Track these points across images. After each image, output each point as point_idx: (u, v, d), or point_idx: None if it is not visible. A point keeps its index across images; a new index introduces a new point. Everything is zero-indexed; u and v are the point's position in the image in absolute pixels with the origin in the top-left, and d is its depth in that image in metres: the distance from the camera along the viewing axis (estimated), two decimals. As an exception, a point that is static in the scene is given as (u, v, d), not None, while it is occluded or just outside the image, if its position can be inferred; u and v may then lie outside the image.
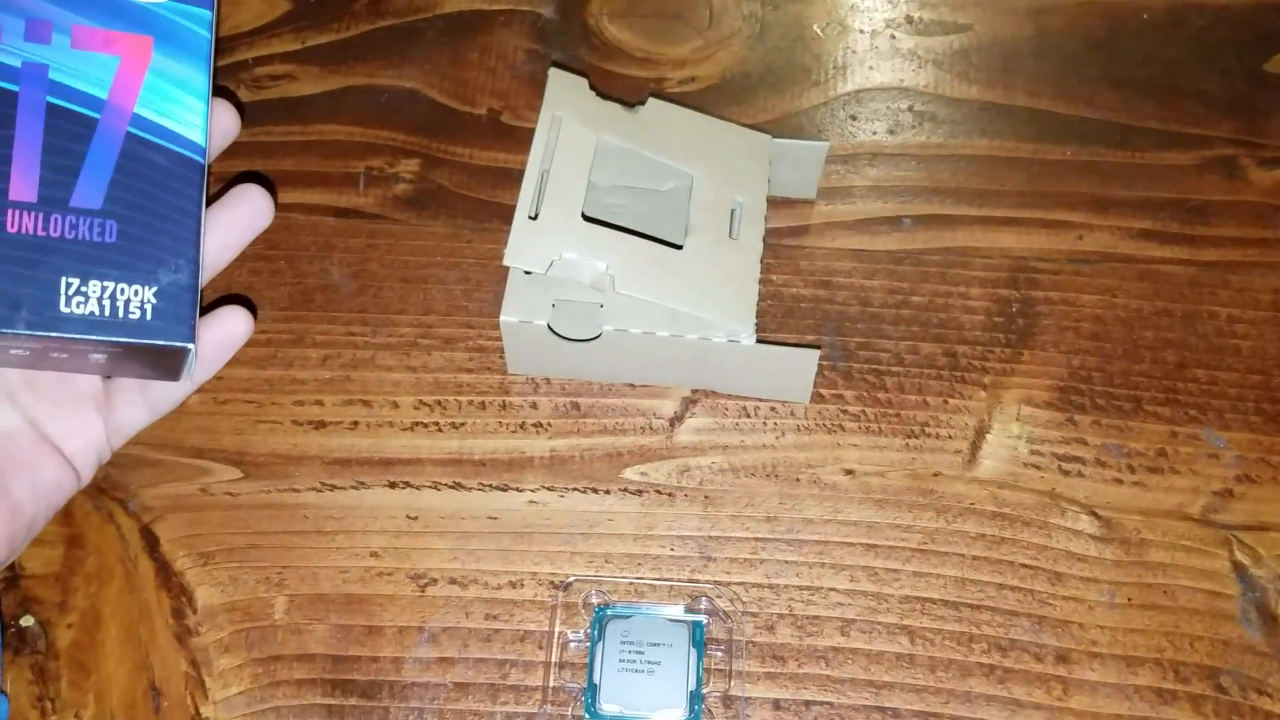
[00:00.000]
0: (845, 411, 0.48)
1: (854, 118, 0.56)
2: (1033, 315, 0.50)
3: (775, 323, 0.50)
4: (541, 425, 0.48)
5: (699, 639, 0.43)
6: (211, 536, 0.45)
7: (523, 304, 0.46)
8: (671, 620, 0.43)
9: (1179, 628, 0.43)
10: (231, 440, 0.47)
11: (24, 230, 0.32)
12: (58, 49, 0.33)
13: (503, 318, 0.46)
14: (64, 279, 0.32)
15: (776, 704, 0.42)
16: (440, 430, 0.48)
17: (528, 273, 0.46)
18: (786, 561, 0.45)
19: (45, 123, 0.32)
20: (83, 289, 0.32)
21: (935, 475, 0.46)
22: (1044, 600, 0.44)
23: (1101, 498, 0.46)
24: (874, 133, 0.55)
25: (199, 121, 0.34)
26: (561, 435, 0.47)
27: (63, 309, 0.31)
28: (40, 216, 0.32)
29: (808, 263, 0.51)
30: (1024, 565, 0.44)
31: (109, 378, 0.40)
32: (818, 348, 0.46)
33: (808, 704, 0.42)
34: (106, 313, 0.32)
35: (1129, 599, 0.44)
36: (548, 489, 0.46)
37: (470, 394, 0.48)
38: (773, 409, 0.48)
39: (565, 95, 0.48)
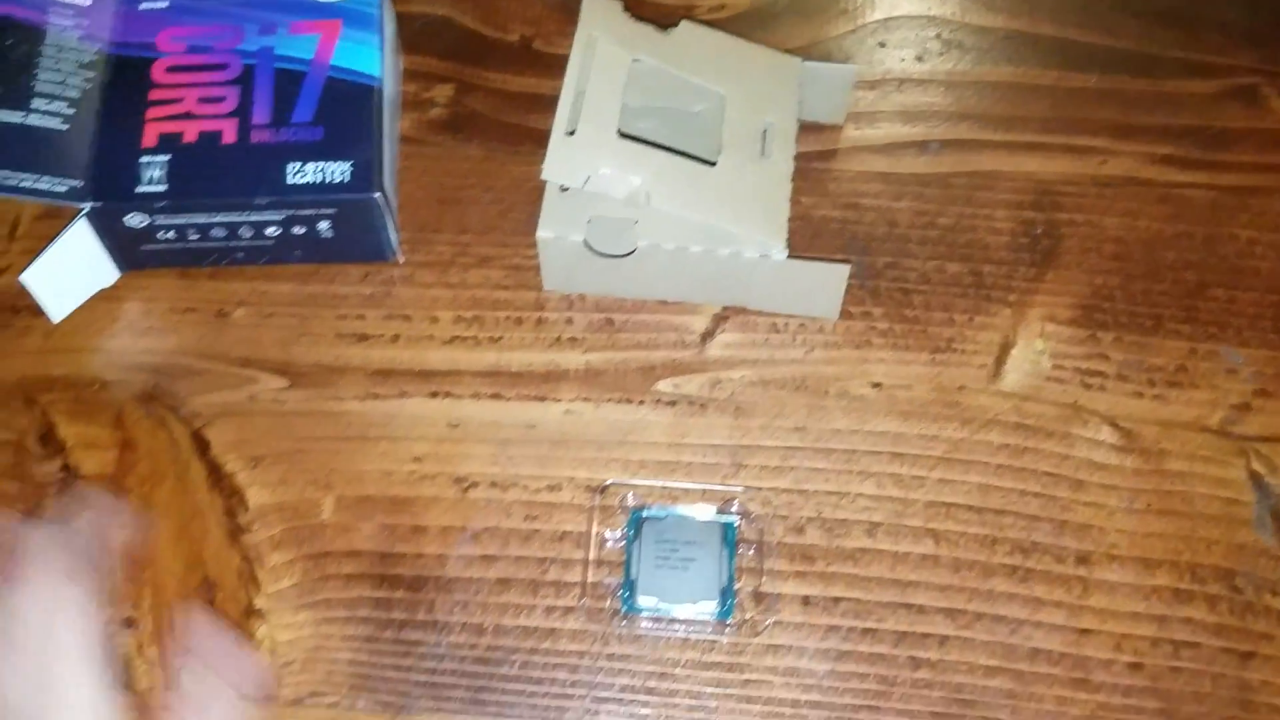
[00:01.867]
0: (873, 328, 0.49)
1: (882, 45, 0.57)
2: (1056, 237, 0.51)
3: (804, 243, 0.51)
4: (576, 340, 0.49)
5: (731, 539, 0.44)
6: (260, 441, 0.47)
7: (559, 220, 0.47)
8: (704, 521, 0.45)
9: (1196, 533, 0.45)
10: (276, 351, 0.49)
11: (263, 140, 0.47)
12: (280, 37, 0.50)
13: (539, 233, 0.47)
14: (289, 165, 0.46)
15: (805, 600, 0.44)
16: (478, 344, 0.49)
17: (563, 189, 0.47)
18: (815, 469, 0.46)
19: (274, 79, 0.48)
20: (303, 169, 0.46)
21: (960, 388, 0.48)
22: (1065, 506, 0.45)
23: (1122, 410, 0.47)
24: (901, 59, 0.56)
25: (375, 63, 0.49)
26: (596, 350, 0.49)
27: (289, 182, 0.46)
28: (272, 130, 0.47)
29: (835, 185, 0.52)
30: (1046, 473, 0.46)
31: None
32: (848, 263, 0.47)
33: (836, 600, 0.44)
34: (319, 181, 0.46)
35: (1148, 505, 0.45)
36: (583, 400, 0.48)
37: (507, 310, 0.50)
38: (801, 325, 0.49)
39: (600, 17, 0.50)
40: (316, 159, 0.46)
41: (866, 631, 0.43)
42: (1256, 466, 0.46)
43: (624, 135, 0.47)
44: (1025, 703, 0.42)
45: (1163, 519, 0.45)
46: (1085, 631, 0.43)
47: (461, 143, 0.54)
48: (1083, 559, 0.44)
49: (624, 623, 0.43)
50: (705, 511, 0.45)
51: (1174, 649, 0.43)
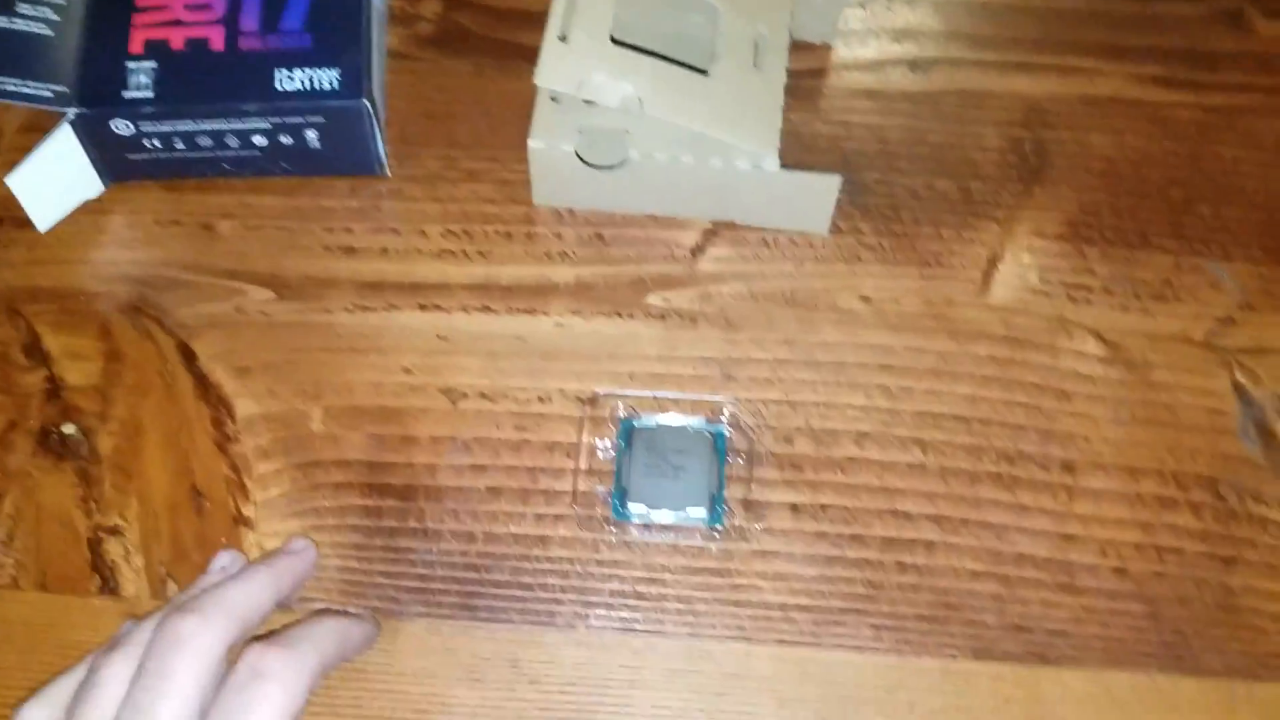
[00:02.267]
0: (862, 243, 0.49)
1: (871, -35, 0.57)
2: (1045, 155, 0.51)
3: (794, 159, 0.51)
4: (566, 254, 0.49)
5: (721, 447, 0.44)
6: (248, 352, 0.47)
7: (550, 130, 0.47)
8: (694, 430, 0.45)
9: (1180, 442, 0.45)
10: (264, 263, 0.48)
11: (251, 47, 0.47)
12: None
13: (530, 142, 0.47)
14: (278, 71, 0.46)
15: (794, 507, 0.44)
16: (468, 258, 0.49)
17: (554, 99, 0.47)
18: (804, 380, 0.46)
19: None
20: (291, 75, 0.46)
21: (949, 302, 0.48)
22: (1051, 416, 0.46)
23: (1108, 323, 0.47)
24: (891, -20, 0.56)
25: None
26: (586, 263, 0.49)
27: (277, 89, 0.46)
28: (260, 37, 0.47)
29: (826, 103, 0.52)
30: (1033, 384, 0.46)
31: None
32: (838, 175, 0.47)
33: (824, 507, 0.44)
34: (307, 88, 0.46)
35: (1133, 415, 0.46)
36: (573, 313, 0.48)
37: (496, 224, 0.50)
38: (792, 240, 0.49)
39: (591, -72, 0.49)
40: (305, 66, 0.46)
41: (854, 537, 0.44)
42: (1240, 378, 0.46)
43: (617, 42, 0.46)
44: (1011, 605, 0.43)
45: (1148, 429, 0.45)
46: (1070, 537, 0.44)
47: (450, 58, 0.54)
48: (1068, 467, 0.45)
49: (614, 529, 0.43)
50: (696, 421, 0.45)
51: (1158, 554, 0.43)
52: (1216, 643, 0.42)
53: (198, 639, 0.35)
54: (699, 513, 0.43)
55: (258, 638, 0.37)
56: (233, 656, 0.36)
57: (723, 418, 0.45)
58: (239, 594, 0.37)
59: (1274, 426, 0.46)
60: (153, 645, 0.35)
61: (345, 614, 0.41)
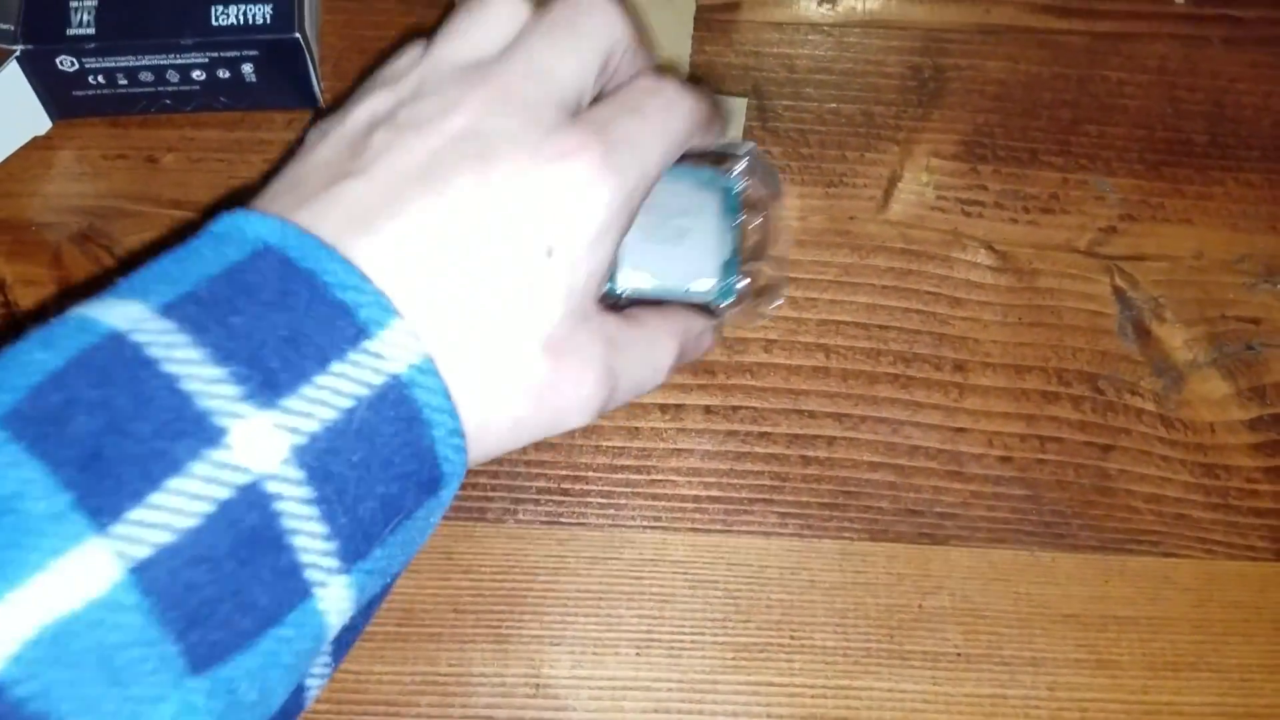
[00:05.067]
0: (772, 166, 0.52)
1: (782, -96, 0.59)
2: (942, 80, 0.55)
3: (708, 88, 0.54)
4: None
5: (732, 204, 0.43)
6: (193, 276, 0.49)
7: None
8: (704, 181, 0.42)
9: (1063, 341, 0.49)
10: (206, 194, 0.51)
11: None
12: None
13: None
14: (214, 6, 0.49)
15: (707, 409, 0.47)
16: (400, 185, 0.52)
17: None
18: (717, 293, 0.50)
19: None
20: (226, 10, 0.48)
21: (851, 218, 0.51)
22: (944, 320, 0.49)
23: (999, 235, 0.51)
24: (800, -82, 0.59)
25: None
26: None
27: (213, 23, 0.48)
28: None
29: (738, 35, 0.55)
30: (928, 292, 0.50)
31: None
32: (745, 97, 0.50)
33: (735, 408, 0.47)
34: (242, 22, 0.48)
35: (1020, 319, 0.49)
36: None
37: (427, 154, 0.52)
38: (705, 164, 0.52)
39: None
40: (239, 1, 0.48)
41: (762, 435, 0.47)
42: (1119, 282, 0.50)
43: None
44: (904, 493, 0.46)
45: (1033, 330, 0.49)
46: (960, 430, 0.47)
47: (381, -1, 0.56)
48: (959, 366, 0.48)
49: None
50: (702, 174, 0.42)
51: (1040, 443, 0.47)
52: (1093, 521, 0.46)
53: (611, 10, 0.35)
54: (705, 285, 0.39)
55: None
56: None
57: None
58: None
59: (1150, 325, 0.49)
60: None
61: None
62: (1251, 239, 0.51)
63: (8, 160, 0.51)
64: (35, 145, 0.52)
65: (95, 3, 0.48)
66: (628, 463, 0.47)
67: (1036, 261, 0.50)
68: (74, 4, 0.48)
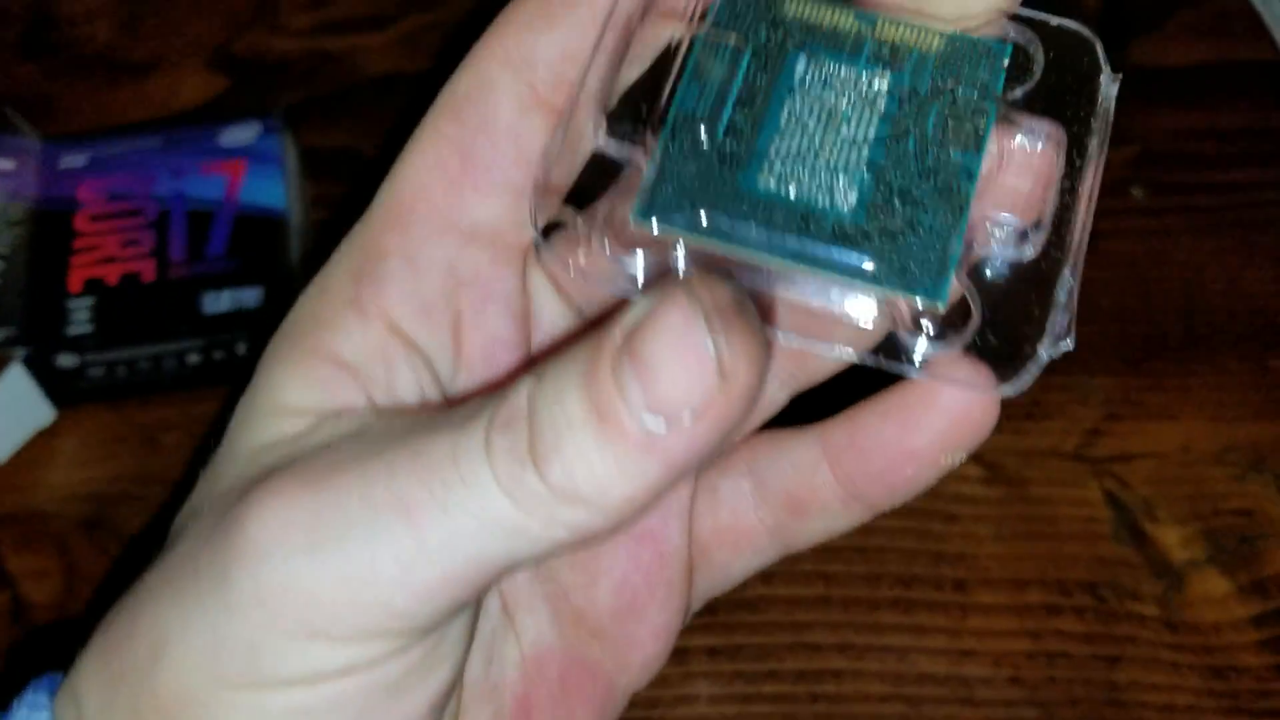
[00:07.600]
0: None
1: None
2: (916, 293, 0.56)
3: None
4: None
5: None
6: (197, 555, 0.50)
7: None
8: None
9: (1060, 550, 0.49)
10: (208, 469, 0.52)
11: (180, 276, 0.52)
12: (191, 179, 0.54)
13: None
14: (206, 295, 0.51)
15: (711, 650, 0.47)
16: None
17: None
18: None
19: (187, 219, 0.53)
20: (219, 298, 0.51)
21: (839, 440, 0.52)
22: (940, 538, 0.50)
23: (985, 445, 0.51)
24: None
25: (280, 196, 0.54)
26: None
27: (205, 313, 0.51)
28: (188, 265, 0.52)
29: None
30: (921, 510, 0.50)
31: None
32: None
33: (738, 647, 0.48)
34: (235, 309, 0.51)
35: (1014, 531, 0.50)
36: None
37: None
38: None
39: None
40: (231, 287, 0.51)
41: (769, 673, 0.47)
42: (1110, 485, 0.51)
43: None
44: (917, 723, 0.46)
45: (1029, 542, 0.49)
46: (966, 652, 0.47)
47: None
48: (959, 585, 0.48)
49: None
50: None
51: (1048, 660, 0.47)
52: (1109, 738, 0.46)
53: None
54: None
55: None
56: None
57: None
58: None
59: (1144, 527, 0.50)
60: None
61: None
62: (1234, 429, 0.51)
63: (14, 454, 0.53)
64: (38, 434, 0.53)
65: (93, 301, 0.50)
66: (634, 715, 0.46)
67: (1025, 470, 0.51)
68: (72, 304, 0.50)
